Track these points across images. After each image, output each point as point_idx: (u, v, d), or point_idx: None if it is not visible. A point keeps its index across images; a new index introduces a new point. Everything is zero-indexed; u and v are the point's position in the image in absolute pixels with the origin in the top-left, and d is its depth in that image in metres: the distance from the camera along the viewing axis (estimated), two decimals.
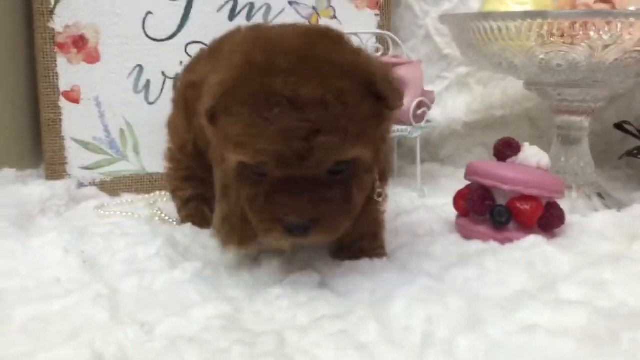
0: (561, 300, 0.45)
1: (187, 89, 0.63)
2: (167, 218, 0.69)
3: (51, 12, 0.78)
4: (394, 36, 0.90)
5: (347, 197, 0.46)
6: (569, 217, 0.64)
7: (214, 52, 0.62)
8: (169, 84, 0.84)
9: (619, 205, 0.78)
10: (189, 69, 0.68)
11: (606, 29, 0.65)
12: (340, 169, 0.45)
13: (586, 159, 0.80)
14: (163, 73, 0.83)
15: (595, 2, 0.79)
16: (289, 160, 0.42)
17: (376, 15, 0.92)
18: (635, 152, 0.85)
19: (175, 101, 0.68)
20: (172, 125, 0.69)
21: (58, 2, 0.78)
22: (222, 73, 0.46)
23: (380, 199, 0.53)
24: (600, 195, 0.79)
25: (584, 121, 0.78)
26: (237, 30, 0.61)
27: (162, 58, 0.83)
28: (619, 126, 0.91)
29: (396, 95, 0.46)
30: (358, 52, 0.47)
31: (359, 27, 0.91)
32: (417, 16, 0.98)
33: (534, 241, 0.58)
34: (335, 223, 0.45)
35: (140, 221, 0.65)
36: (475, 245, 0.59)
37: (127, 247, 0.56)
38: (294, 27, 0.49)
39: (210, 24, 0.84)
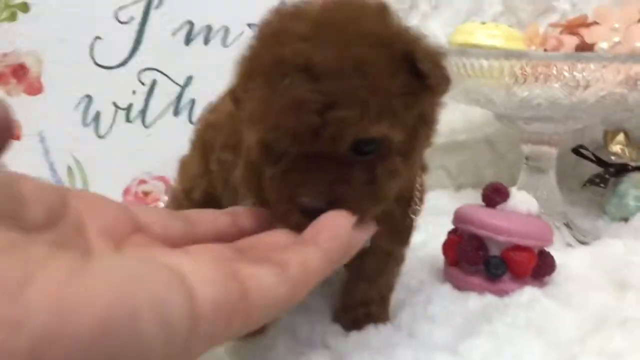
0: None
1: (206, 130, 0.58)
2: None
3: None
4: None
5: (373, 178, 0.39)
6: None
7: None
8: (121, 115, 0.76)
9: (586, 235, 0.79)
10: (211, 108, 0.61)
11: (586, 70, 0.65)
12: (366, 149, 0.39)
13: (553, 188, 0.80)
14: (114, 103, 0.76)
15: (561, 33, 0.80)
16: (302, 136, 0.37)
17: None
18: (597, 180, 0.86)
19: (193, 142, 0.62)
20: (184, 166, 0.63)
21: None
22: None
23: (415, 216, 0.50)
24: (567, 225, 0.79)
25: (553, 152, 0.79)
26: None
27: (113, 87, 0.76)
28: (576, 151, 0.92)
29: (441, 76, 0.40)
30: (402, 27, 0.41)
31: None
32: None
33: (531, 295, 0.57)
34: (357, 205, 0.38)
35: None
36: (473, 300, 0.57)
37: None
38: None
39: (165, 49, 0.78)
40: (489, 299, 0.57)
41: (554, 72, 0.65)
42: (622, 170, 0.87)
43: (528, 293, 0.57)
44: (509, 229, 0.58)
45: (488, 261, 0.59)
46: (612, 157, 0.91)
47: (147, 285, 0.22)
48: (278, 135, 0.38)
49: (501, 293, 0.58)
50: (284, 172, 0.39)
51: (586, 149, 0.92)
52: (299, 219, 0.37)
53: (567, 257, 0.67)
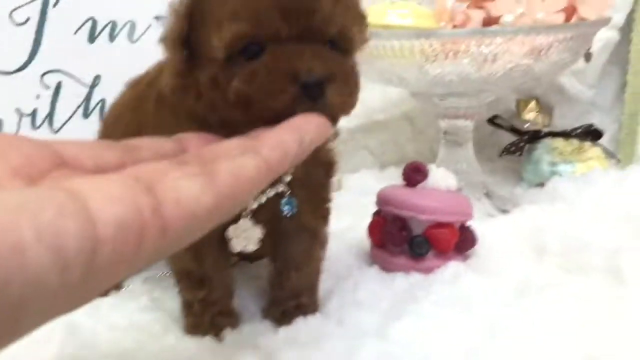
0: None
1: (104, 130, 0.57)
2: None
3: None
4: None
5: (353, 68, 0.41)
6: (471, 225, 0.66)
7: (135, 83, 0.56)
8: (26, 122, 0.72)
9: (506, 203, 0.82)
10: (109, 109, 0.60)
11: (493, 45, 0.66)
12: (340, 45, 0.40)
13: (472, 160, 0.82)
14: (18, 110, 0.72)
15: (468, 7, 0.81)
16: (298, 16, 0.38)
17: None
18: (513, 149, 0.89)
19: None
20: None
21: None
22: None
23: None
24: (487, 195, 0.82)
25: (469, 125, 0.80)
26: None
27: (14, 93, 0.72)
28: (491, 121, 0.94)
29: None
30: None
31: None
32: None
33: (455, 270, 0.58)
34: (349, 86, 0.40)
35: None
36: (399, 281, 0.58)
37: None
38: None
39: (68, 49, 0.74)
40: (415, 278, 0.58)
41: (462, 48, 0.66)
42: (535, 137, 0.90)
43: (452, 268, 0.59)
44: (429, 207, 0.59)
45: (412, 241, 0.60)
46: (526, 125, 0.94)
47: (33, 214, 0.21)
48: (272, 19, 0.37)
49: (427, 271, 0.59)
50: (273, 57, 0.38)
51: (501, 118, 0.95)
52: (296, 99, 0.37)
53: (488, 227, 0.69)
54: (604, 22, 0.71)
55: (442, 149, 0.83)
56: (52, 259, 0.21)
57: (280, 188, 0.47)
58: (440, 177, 0.63)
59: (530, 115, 0.94)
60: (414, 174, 0.63)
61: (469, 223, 0.63)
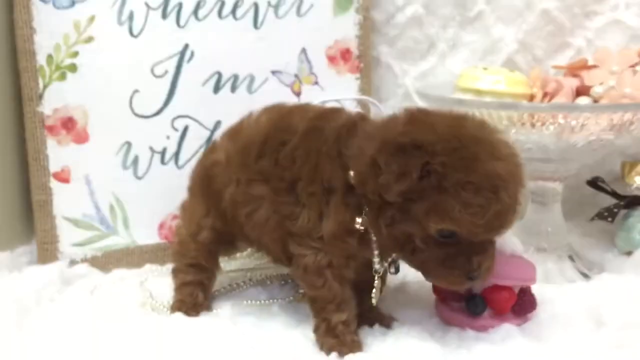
0: None
1: (211, 168, 0.68)
2: (157, 304, 0.71)
3: (40, 97, 0.81)
4: (374, 100, 0.93)
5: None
6: (543, 288, 0.68)
7: (234, 133, 0.68)
8: (157, 158, 0.86)
9: (592, 268, 0.82)
10: (210, 150, 0.72)
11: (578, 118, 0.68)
12: None
13: (559, 222, 0.83)
14: (151, 148, 0.85)
15: (565, 76, 0.83)
16: (496, 231, 0.54)
17: (357, 79, 0.95)
18: (606, 214, 0.88)
19: (192, 187, 0.73)
20: (186, 211, 0.73)
21: (46, 86, 0.81)
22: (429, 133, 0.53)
23: None
24: (571, 258, 0.82)
25: (558, 187, 0.82)
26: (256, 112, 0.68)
27: (150, 133, 0.85)
28: (592, 183, 0.94)
29: None
30: None
31: (340, 92, 0.93)
32: (397, 75, 1.00)
33: (507, 332, 0.62)
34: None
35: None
36: (451, 335, 0.62)
37: None
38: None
39: (196, 98, 0.87)
40: (468, 334, 0.62)
41: (549, 119, 0.68)
42: (634, 202, 0.88)
43: (504, 330, 0.62)
44: None
45: (469, 299, 0.64)
46: (633, 187, 0.91)
47: None
48: (481, 231, 0.52)
49: (481, 329, 0.63)
50: (464, 253, 0.54)
51: (602, 181, 0.94)
52: (466, 284, 0.56)
53: (559, 293, 0.71)
54: None
55: (529, 208, 0.85)
56: None
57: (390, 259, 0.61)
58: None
59: (636, 180, 0.93)
60: None
61: (533, 287, 0.66)
